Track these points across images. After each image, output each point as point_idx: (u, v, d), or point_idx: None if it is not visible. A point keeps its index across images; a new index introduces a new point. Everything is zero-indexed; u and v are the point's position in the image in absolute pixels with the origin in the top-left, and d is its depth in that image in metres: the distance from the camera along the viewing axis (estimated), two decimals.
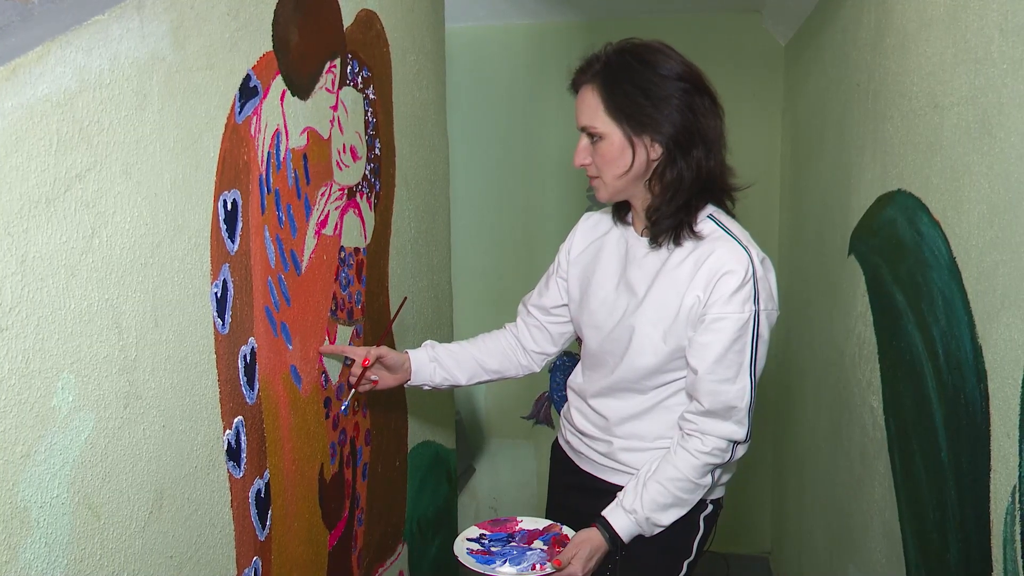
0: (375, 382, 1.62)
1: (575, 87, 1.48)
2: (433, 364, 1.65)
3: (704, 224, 1.45)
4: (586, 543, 1.45)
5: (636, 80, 1.40)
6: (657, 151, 1.42)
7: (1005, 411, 1.05)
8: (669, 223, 1.44)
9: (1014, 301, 1.02)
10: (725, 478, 1.55)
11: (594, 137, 1.44)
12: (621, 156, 1.42)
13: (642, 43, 1.44)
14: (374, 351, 1.57)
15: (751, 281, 1.38)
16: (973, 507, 1.14)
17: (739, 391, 1.40)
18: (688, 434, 1.44)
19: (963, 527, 1.19)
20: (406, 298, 1.87)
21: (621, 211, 1.57)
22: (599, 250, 1.59)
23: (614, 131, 1.41)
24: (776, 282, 1.46)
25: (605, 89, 1.41)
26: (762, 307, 1.40)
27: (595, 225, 1.63)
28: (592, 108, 1.43)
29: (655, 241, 1.46)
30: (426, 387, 1.68)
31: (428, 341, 1.70)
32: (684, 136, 1.40)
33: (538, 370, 1.75)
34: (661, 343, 1.44)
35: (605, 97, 1.41)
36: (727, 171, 1.47)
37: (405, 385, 1.66)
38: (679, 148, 1.41)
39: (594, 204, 1.63)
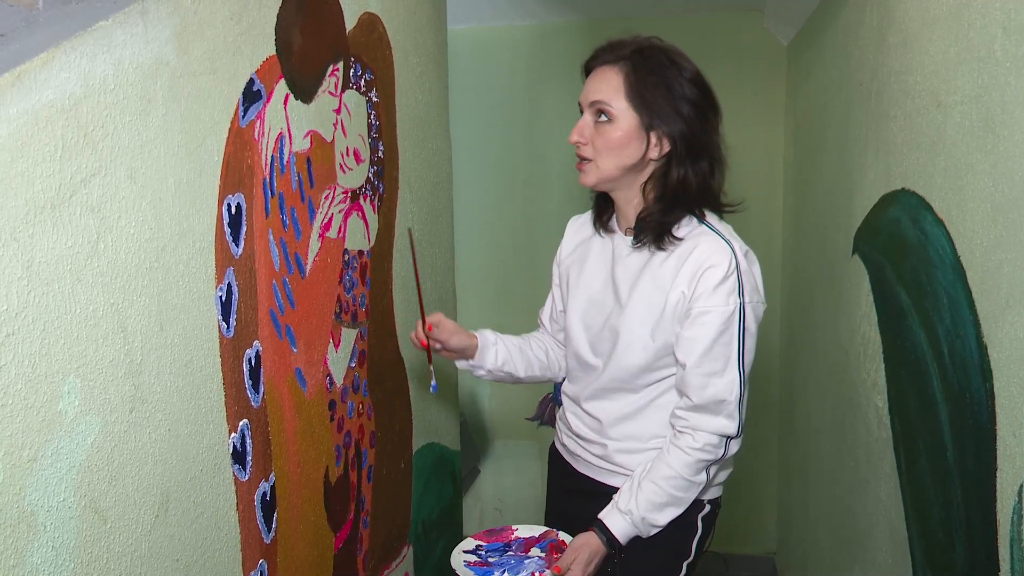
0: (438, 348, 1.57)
1: (591, 66, 1.46)
2: (495, 347, 1.60)
3: (684, 222, 1.45)
4: (584, 547, 1.44)
5: (663, 74, 1.40)
6: (664, 148, 1.41)
7: (1011, 410, 1.04)
8: (655, 228, 1.43)
9: (1019, 300, 1.02)
10: (722, 477, 1.54)
11: (602, 116, 1.41)
12: (628, 145, 1.41)
13: (668, 44, 1.45)
14: (431, 318, 1.54)
15: (735, 274, 1.38)
16: (979, 506, 1.14)
17: (728, 384, 1.40)
18: (680, 431, 1.43)
19: (969, 526, 1.19)
20: (410, 229, 1.77)
21: (602, 216, 1.56)
22: (587, 251, 1.59)
23: (628, 116, 1.40)
24: (761, 275, 1.45)
25: (633, 72, 1.40)
26: (747, 300, 1.39)
27: (582, 227, 1.63)
28: (612, 87, 1.41)
29: (638, 241, 1.46)
30: (480, 372, 1.62)
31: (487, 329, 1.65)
32: (695, 142, 1.41)
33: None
34: (649, 340, 1.44)
35: (629, 80, 1.40)
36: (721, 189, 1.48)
37: (461, 364, 1.62)
38: (689, 153, 1.41)
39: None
